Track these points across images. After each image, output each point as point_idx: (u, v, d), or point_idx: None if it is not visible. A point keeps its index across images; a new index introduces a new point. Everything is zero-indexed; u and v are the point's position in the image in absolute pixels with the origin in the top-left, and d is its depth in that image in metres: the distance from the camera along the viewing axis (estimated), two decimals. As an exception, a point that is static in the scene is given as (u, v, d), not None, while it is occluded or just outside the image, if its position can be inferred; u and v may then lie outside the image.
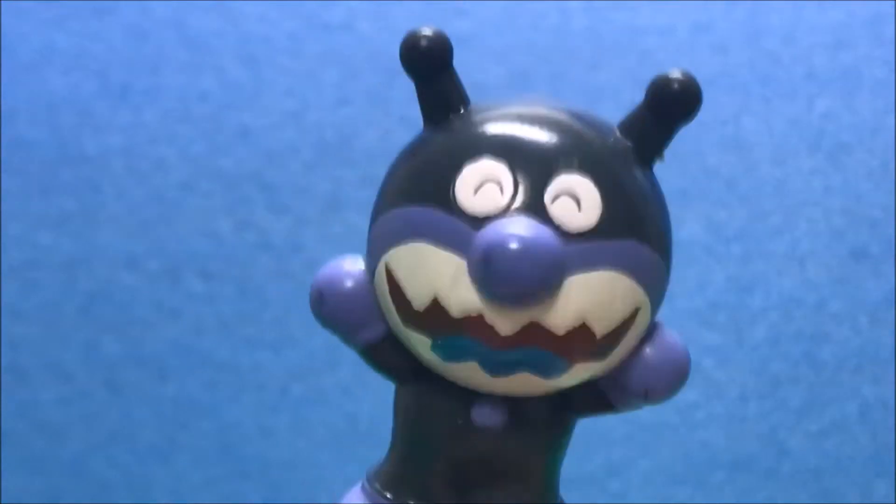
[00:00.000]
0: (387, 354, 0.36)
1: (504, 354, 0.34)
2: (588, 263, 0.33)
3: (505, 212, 0.33)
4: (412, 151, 0.36)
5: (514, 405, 0.35)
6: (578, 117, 0.36)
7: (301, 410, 0.73)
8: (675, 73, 0.35)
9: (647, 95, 0.35)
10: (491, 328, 0.33)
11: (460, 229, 0.33)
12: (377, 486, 0.37)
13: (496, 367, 0.34)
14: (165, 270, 0.74)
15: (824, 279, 0.73)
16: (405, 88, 0.79)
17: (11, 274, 0.75)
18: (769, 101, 0.73)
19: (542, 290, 0.33)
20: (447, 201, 0.34)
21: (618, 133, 0.35)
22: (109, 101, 0.75)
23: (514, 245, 0.32)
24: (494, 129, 0.34)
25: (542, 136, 0.34)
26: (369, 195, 0.76)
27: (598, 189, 0.34)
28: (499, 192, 0.33)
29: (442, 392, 0.36)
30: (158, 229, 0.74)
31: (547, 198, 0.33)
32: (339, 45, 0.75)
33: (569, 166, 0.34)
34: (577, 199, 0.33)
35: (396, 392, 0.37)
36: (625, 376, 0.35)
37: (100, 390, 0.74)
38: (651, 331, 0.36)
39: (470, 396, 0.35)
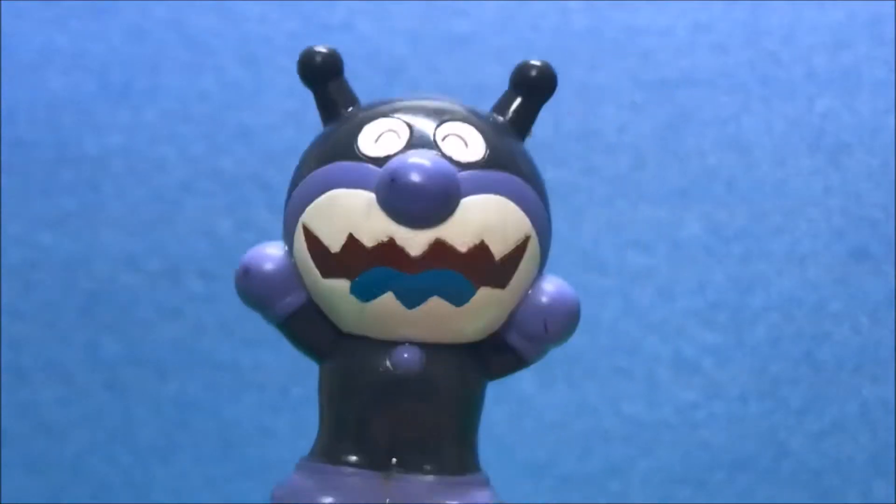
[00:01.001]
0: (307, 326, 0.40)
1: (416, 279, 0.37)
2: (480, 187, 0.38)
3: (403, 150, 0.38)
4: (316, 138, 0.41)
5: (429, 355, 0.39)
6: (458, 100, 0.41)
7: (301, 410, 0.73)
8: (535, 62, 0.40)
9: (511, 79, 0.41)
10: (402, 251, 0.37)
11: (366, 170, 0.38)
12: (310, 458, 0.40)
13: (410, 295, 0.38)
14: (165, 270, 0.74)
15: (824, 279, 0.73)
16: (405, 89, 0.79)
17: (11, 274, 0.75)
18: (769, 101, 0.73)
19: (443, 203, 0.37)
20: (352, 154, 0.38)
21: (493, 113, 0.41)
22: (109, 101, 0.75)
23: (414, 165, 0.37)
24: (386, 104, 0.40)
25: (428, 102, 0.40)
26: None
27: (480, 134, 0.39)
28: (396, 138, 0.38)
29: (362, 351, 0.39)
30: (158, 229, 0.74)
31: (437, 137, 0.38)
32: (339, 45, 0.75)
33: (454, 118, 0.39)
34: (463, 140, 0.39)
35: (320, 372, 0.40)
36: (523, 318, 0.39)
37: (100, 390, 0.74)
38: (543, 277, 0.40)
39: (388, 348, 0.39)
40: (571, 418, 0.73)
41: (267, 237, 0.74)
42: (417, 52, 0.74)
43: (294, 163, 0.75)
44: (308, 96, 0.75)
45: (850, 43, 0.74)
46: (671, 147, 0.74)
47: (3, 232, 0.75)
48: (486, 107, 0.41)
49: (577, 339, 0.73)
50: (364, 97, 0.77)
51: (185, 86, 0.75)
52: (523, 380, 0.72)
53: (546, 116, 0.74)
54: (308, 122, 0.75)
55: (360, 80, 0.75)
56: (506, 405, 0.72)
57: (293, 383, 0.74)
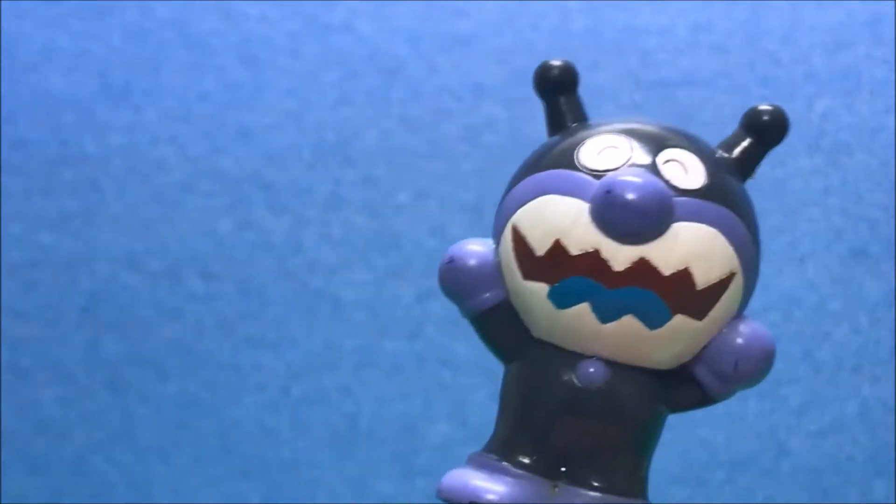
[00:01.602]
0: (500, 323, 0.40)
1: (614, 295, 0.37)
2: (693, 215, 0.38)
3: (623, 167, 0.38)
4: (539, 146, 0.41)
5: (615, 373, 0.39)
6: (687, 130, 0.41)
7: (301, 410, 0.73)
8: (767, 107, 0.43)
9: (743, 122, 0.42)
10: (605, 264, 0.37)
11: (583, 180, 0.38)
12: (483, 452, 0.40)
13: (606, 309, 0.38)
14: (166, 270, 0.74)
15: (824, 279, 0.73)
16: (405, 89, 0.80)
17: (11, 274, 0.75)
18: (769, 101, 0.73)
19: (654, 223, 0.37)
20: (571, 163, 0.39)
21: (719, 149, 0.41)
22: (109, 101, 0.75)
23: (631, 181, 0.37)
24: (614, 123, 0.40)
25: (656, 125, 0.40)
26: (369, 195, 0.77)
27: (702, 164, 0.39)
28: (618, 154, 0.38)
29: (549, 359, 0.39)
30: (158, 229, 0.74)
31: (659, 160, 0.38)
32: (339, 45, 0.75)
33: (678, 145, 0.39)
34: (684, 166, 0.38)
35: (505, 373, 0.40)
36: (716, 354, 0.39)
37: (100, 390, 0.74)
38: (741, 317, 0.39)
39: (575, 359, 0.39)
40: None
41: (267, 237, 0.75)
42: (417, 52, 0.74)
43: (294, 162, 0.75)
44: (308, 96, 0.75)
45: (849, 43, 0.74)
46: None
47: (4, 232, 0.75)
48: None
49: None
50: (364, 97, 0.77)
51: (185, 86, 0.75)
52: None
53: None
54: (308, 122, 0.75)
55: (361, 80, 0.75)
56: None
57: (293, 383, 0.74)
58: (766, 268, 0.74)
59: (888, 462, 0.72)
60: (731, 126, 0.77)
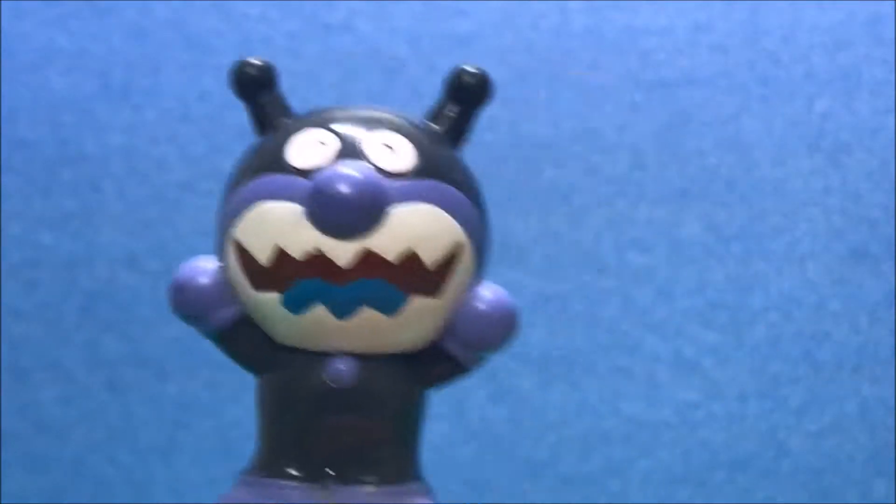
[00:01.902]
0: (242, 339, 0.40)
1: (346, 290, 0.37)
2: (408, 196, 0.38)
3: (331, 162, 0.38)
4: (245, 150, 0.41)
5: (365, 366, 0.39)
6: (391, 109, 0.41)
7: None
8: (469, 67, 0.41)
9: (445, 87, 0.41)
10: (331, 262, 0.37)
11: (294, 182, 0.38)
12: (249, 472, 0.40)
13: (341, 306, 0.37)
14: (166, 270, 0.74)
15: (824, 279, 0.73)
16: (405, 89, 0.80)
17: (11, 274, 0.75)
18: (769, 101, 0.73)
19: (369, 213, 0.37)
20: (280, 166, 0.39)
21: (426, 121, 0.41)
22: (109, 101, 0.75)
23: (339, 176, 0.37)
24: (315, 115, 0.40)
25: (357, 112, 0.40)
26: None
27: (410, 143, 0.39)
28: (324, 149, 0.38)
29: (297, 363, 0.39)
30: (158, 229, 0.74)
31: (365, 148, 0.38)
32: (339, 45, 0.75)
33: (382, 127, 0.39)
34: (391, 149, 0.39)
35: (257, 386, 0.41)
36: (460, 325, 0.39)
37: (100, 390, 0.74)
38: (479, 285, 0.39)
39: (323, 360, 0.39)
40: (571, 418, 0.73)
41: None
42: (417, 52, 0.74)
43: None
44: (308, 96, 0.75)
45: (849, 43, 0.74)
46: (671, 147, 0.74)
47: (4, 232, 0.75)
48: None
49: (577, 339, 0.74)
50: (364, 97, 0.77)
51: (185, 86, 0.75)
52: (523, 379, 0.73)
53: (546, 116, 0.74)
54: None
55: (361, 80, 0.75)
56: (506, 405, 0.72)
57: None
58: (766, 268, 0.74)
59: (888, 462, 0.72)
60: (731, 126, 0.77)
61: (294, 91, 0.75)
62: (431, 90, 0.79)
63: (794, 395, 0.73)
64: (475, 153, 0.75)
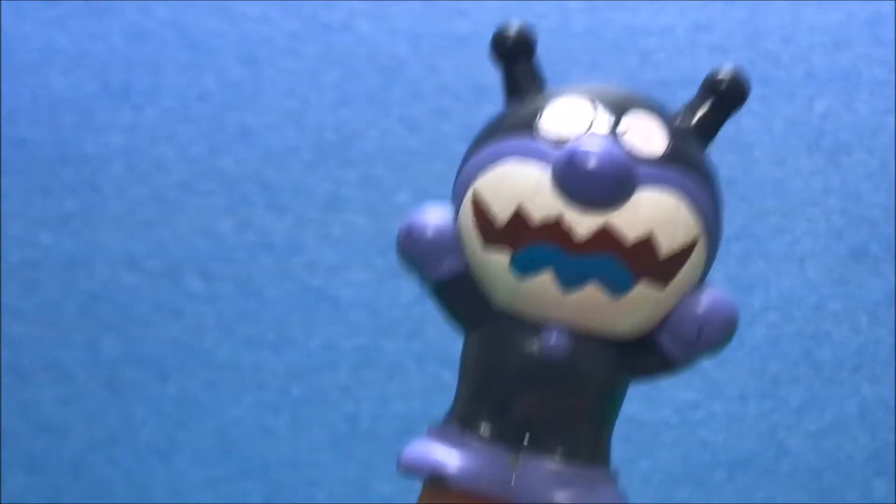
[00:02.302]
0: (460, 293, 0.39)
1: (577, 261, 0.37)
2: (656, 182, 0.37)
3: (585, 133, 0.38)
4: (496, 113, 0.40)
5: (577, 342, 0.38)
6: (649, 94, 0.40)
7: (301, 410, 0.74)
8: (726, 70, 0.41)
9: (702, 86, 0.40)
10: (568, 231, 0.37)
11: (544, 147, 0.37)
12: (444, 422, 0.40)
13: (569, 277, 0.37)
14: (165, 270, 0.74)
15: (824, 279, 0.73)
16: (405, 88, 0.80)
17: (11, 274, 0.75)
18: (769, 101, 0.73)
19: (617, 190, 0.37)
20: (532, 130, 0.38)
21: (681, 113, 0.40)
22: (109, 101, 0.75)
23: (595, 149, 0.36)
24: (573, 87, 0.39)
25: (617, 89, 0.39)
26: (369, 195, 0.77)
27: (663, 129, 0.38)
28: (580, 120, 0.38)
29: (511, 328, 0.38)
30: (158, 229, 0.74)
31: (621, 127, 0.38)
32: (339, 45, 0.75)
33: (640, 108, 0.39)
34: (646, 132, 0.38)
35: (465, 343, 0.40)
36: (678, 321, 0.38)
37: (100, 390, 0.74)
38: (704, 284, 0.39)
39: (537, 329, 0.38)
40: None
41: (267, 237, 0.75)
42: (417, 52, 0.74)
43: (294, 162, 0.75)
44: (308, 96, 0.75)
45: (849, 43, 0.74)
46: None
47: (3, 232, 0.75)
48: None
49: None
50: (364, 97, 0.77)
51: (185, 86, 0.75)
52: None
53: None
54: (308, 122, 0.75)
55: (361, 80, 0.75)
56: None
57: (293, 383, 0.74)
58: (766, 268, 0.74)
59: (888, 462, 0.72)
60: (731, 126, 0.77)
61: (294, 91, 0.76)
62: (431, 90, 0.80)
63: (794, 395, 0.73)
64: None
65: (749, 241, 0.73)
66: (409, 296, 0.74)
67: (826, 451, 0.72)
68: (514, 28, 0.42)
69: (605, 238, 0.37)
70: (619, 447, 0.77)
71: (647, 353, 0.39)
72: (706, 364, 0.74)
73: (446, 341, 0.75)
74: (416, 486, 0.77)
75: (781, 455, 0.72)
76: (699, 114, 0.40)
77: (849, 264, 0.73)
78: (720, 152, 0.79)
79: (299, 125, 0.74)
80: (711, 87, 0.40)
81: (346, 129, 0.74)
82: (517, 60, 0.41)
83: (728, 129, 0.77)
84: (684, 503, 0.72)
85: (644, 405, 0.73)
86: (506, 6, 0.74)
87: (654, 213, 0.37)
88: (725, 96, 0.40)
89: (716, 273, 0.79)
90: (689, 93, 0.76)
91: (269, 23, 0.75)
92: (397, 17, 0.74)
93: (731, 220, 0.73)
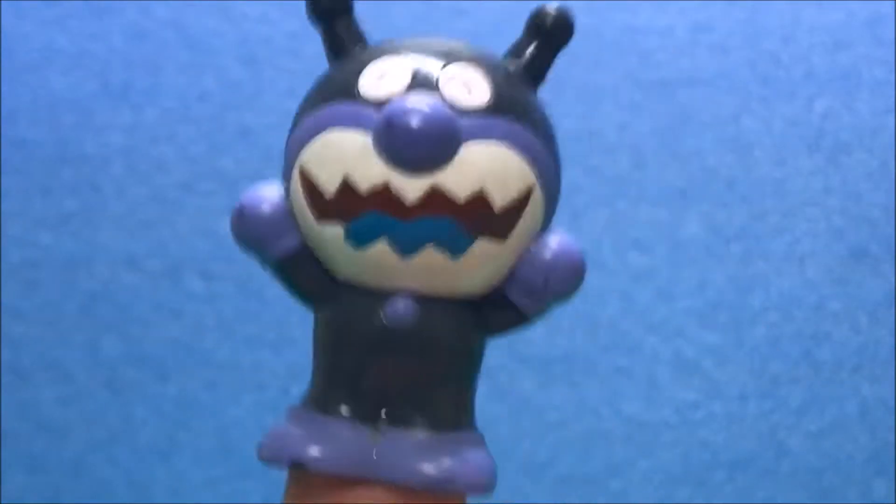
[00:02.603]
0: (302, 269, 0.38)
1: (411, 227, 0.36)
2: (481, 134, 0.36)
3: (403, 93, 0.37)
4: (318, 77, 0.40)
5: (425, 307, 0.37)
6: (470, 43, 0.39)
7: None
8: (550, 8, 0.40)
9: (526, 25, 0.39)
10: (397, 198, 0.36)
11: (365, 112, 0.37)
12: (301, 407, 0.39)
13: (405, 243, 0.36)
14: (165, 270, 0.74)
15: (824, 279, 0.73)
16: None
17: (11, 274, 0.75)
18: (769, 101, 0.73)
19: (439, 148, 0.36)
20: (351, 94, 0.37)
21: (507, 58, 0.39)
22: (109, 101, 0.75)
23: (412, 109, 0.35)
24: (392, 44, 0.39)
25: (435, 42, 0.38)
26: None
27: (486, 79, 0.37)
28: (398, 79, 0.37)
29: (355, 300, 0.38)
30: (158, 229, 0.74)
31: (440, 81, 0.37)
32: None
33: (459, 60, 0.37)
34: (467, 84, 0.37)
35: (314, 320, 0.39)
36: (525, 272, 0.38)
37: (100, 390, 0.74)
38: (547, 232, 0.38)
39: (382, 298, 0.37)
40: (571, 418, 0.73)
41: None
42: (417, 52, 0.74)
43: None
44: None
45: (849, 43, 0.74)
46: (671, 147, 0.74)
47: (3, 232, 0.75)
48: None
49: (577, 339, 0.74)
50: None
51: (185, 86, 0.75)
52: (523, 379, 0.73)
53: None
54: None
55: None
56: (506, 405, 0.72)
57: (293, 383, 0.74)
58: (766, 268, 0.74)
59: (888, 462, 0.72)
60: (731, 126, 0.77)
61: (294, 91, 0.76)
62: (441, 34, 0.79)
63: (794, 395, 0.73)
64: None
65: (749, 241, 0.73)
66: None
67: (826, 452, 0.72)
68: None
69: (435, 200, 0.36)
70: (619, 447, 0.77)
71: (498, 309, 0.38)
72: (706, 364, 0.74)
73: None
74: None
75: (781, 455, 0.72)
76: (525, 56, 0.39)
77: (849, 264, 0.73)
78: (720, 152, 0.80)
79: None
80: (536, 27, 0.39)
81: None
82: (335, 18, 0.40)
83: (728, 129, 0.77)
84: (684, 503, 0.72)
85: (644, 405, 0.73)
86: (506, 6, 0.74)
87: (483, 167, 0.36)
88: (551, 35, 0.39)
89: (716, 273, 0.79)
90: (690, 93, 0.76)
91: (269, 23, 0.75)
92: (397, 17, 0.74)
93: (731, 220, 0.73)
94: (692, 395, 0.73)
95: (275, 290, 0.80)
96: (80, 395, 0.74)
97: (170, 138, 0.75)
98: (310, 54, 0.75)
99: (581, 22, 0.80)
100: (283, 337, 0.74)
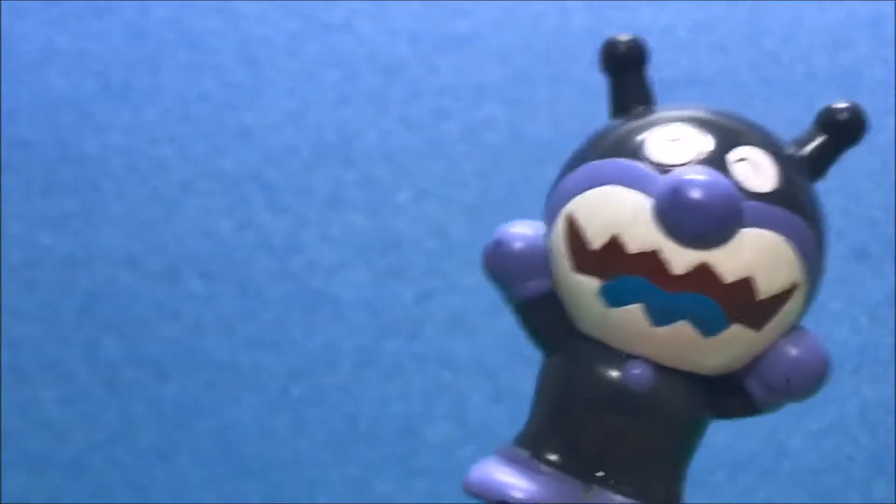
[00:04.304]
0: (543, 314, 0.38)
1: (671, 298, 0.35)
2: (762, 221, 0.36)
3: (691, 164, 0.36)
4: (599, 128, 0.38)
5: (661, 376, 0.37)
6: (760, 123, 0.39)
7: (301, 410, 0.73)
8: (844, 104, 0.39)
9: (819, 120, 0.39)
10: (664, 266, 0.35)
11: (648, 173, 0.35)
12: (512, 445, 0.38)
13: (660, 313, 0.35)
14: (165, 270, 0.74)
15: (824, 279, 0.73)
16: (405, 88, 0.80)
17: (11, 274, 0.75)
18: (770, 101, 0.73)
19: (722, 228, 0.35)
20: (636, 153, 0.36)
21: (792, 146, 0.38)
22: (109, 101, 0.75)
23: (700, 182, 0.34)
24: (683, 111, 0.38)
25: (729, 118, 0.38)
26: (369, 195, 0.77)
27: (775, 165, 0.37)
28: (687, 148, 0.36)
29: (594, 355, 0.37)
30: (158, 229, 0.74)
31: (730, 158, 0.36)
32: (339, 45, 0.75)
33: (751, 142, 0.37)
34: (756, 166, 0.36)
35: (544, 364, 0.39)
36: (768, 366, 0.37)
37: (100, 390, 0.74)
38: (798, 329, 0.38)
39: (621, 359, 0.37)
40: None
41: (267, 237, 0.75)
42: (417, 52, 0.74)
43: (294, 162, 0.75)
44: (308, 96, 0.75)
45: (850, 43, 0.74)
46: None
47: (3, 232, 0.75)
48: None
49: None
50: (364, 97, 0.77)
51: (185, 86, 0.75)
52: (523, 380, 0.72)
53: (546, 116, 0.74)
54: (308, 122, 0.75)
55: (361, 80, 0.75)
56: (506, 405, 0.72)
57: (293, 383, 0.74)
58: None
59: (888, 462, 0.72)
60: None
61: (294, 91, 0.76)
62: (431, 90, 0.80)
63: (795, 395, 0.73)
64: (475, 153, 0.75)
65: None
66: (409, 296, 0.74)
67: (826, 452, 0.72)
68: (625, 38, 0.40)
69: (702, 277, 0.35)
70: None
71: (732, 394, 0.38)
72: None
73: (446, 341, 0.75)
74: (417, 486, 0.77)
75: (782, 455, 0.72)
76: (810, 147, 0.39)
77: (849, 264, 0.73)
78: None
79: (299, 125, 0.74)
80: (828, 122, 0.39)
81: (346, 129, 0.74)
82: (626, 72, 0.39)
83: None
84: (685, 503, 0.72)
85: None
86: (506, 6, 0.74)
87: (757, 254, 0.36)
88: (843, 132, 0.39)
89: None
90: (690, 93, 0.76)
91: (269, 23, 0.75)
92: (397, 17, 0.74)
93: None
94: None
95: (275, 290, 0.81)
96: (80, 395, 0.74)
97: (170, 138, 0.75)
98: (310, 54, 0.75)
99: (581, 22, 0.81)
100: (283, 337, 0.74)
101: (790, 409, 0.76)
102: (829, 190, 0.74)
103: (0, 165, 0.75)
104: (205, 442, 0.74)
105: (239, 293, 0.74)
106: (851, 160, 0.74)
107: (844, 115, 0.39)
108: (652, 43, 0.75)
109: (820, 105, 0.79)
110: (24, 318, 0.75)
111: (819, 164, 0.39)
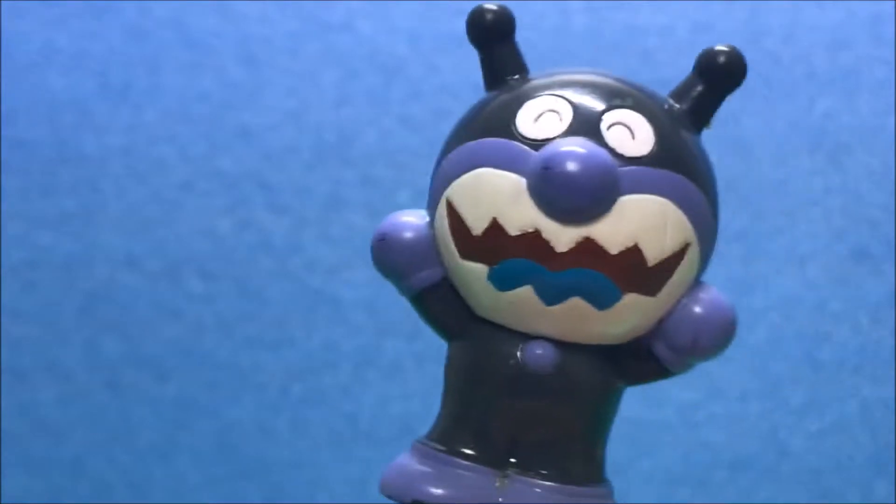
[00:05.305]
0: (440, 302, 0.37)
1: (559, 276, 0.35)
2: (641, 186, 0.35)
3: (563, 135, 0.35)
4: (473, 106, 0.38)
5: (564, 353, 0.36)
6: (632, 80, 0.38)
7: (301, 410, 0.73)
8: (722, 47, 0.37)
9: (696, 66, 0.37)
10: (547, 244, 0.34)
11: (521, 151, 0.35)
12: (426, 440, 0.37)
13: (550, 292, 0.35)
14: (165, 270, 0.74)
15: (824, 279, 0.73)
16: (405, 88, 0.80)
17: (11, 274, 0.75)
18: (769, 101, 0.73)
19: (598, 200, 0.34)
20: (508, 131, 0.35)
21: (670, 99, 0.37)
22: (109, 101, 0.75)
23: (572, 156, 0.34)
24: (554, 78, 0.37)
25: (599, 81, 0.37)
26: (369, 195, 0.76)
27: (651, 125, 0.35)
28: (558, 120, 0.35)
29: (493, 339, 0.36)
30: (158, 229, 0.74)
31: (603, 125, 0.35)
32: (339, 45, 0.75)
33: (624, 104, 0.36)
34: (630, 130, 0.35)
35: (448, 352, 0.38)
36: (673, 328, 0.36)
37: (100, 390, 0.74)
38: (699, 286, 0.37)
39: (521, 340, 0.36)
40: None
41: (267, 237, 0.75)
42: (417, 52, 0.74)
43: (294, 162, 0.75)
44: (308, 96, 0.75)
45: (850, 43, 0.74)
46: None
47: (3, 232, 0.75)
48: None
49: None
50: (364, 97, 0.77)
51: (185, 86, 0.75)
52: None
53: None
54: (308, 122, 0.75)
55: (361, 80, 0.75)
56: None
57: (293, 383, 0.74)
58: (765, 268, 0.74)
59: (888, 462, 0.72)
60: (731, 126, 0.77)
61: (294, 91, 0.76)
62: (431, 90, 0.80)
63: (795, 395, 0.73)
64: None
65: (749, 241, 0.73)
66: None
67: (827, 452, 0.72)
68: (491, 6, 0.38)
69: (586, 251, 0.34)
70: (620, 447, 0.77)
71: (641, 360, 0.37)
72: (707, 365, 0.74)
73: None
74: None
75: (782, 455, 0.72)
76: (691, 98, 0.37)
77: (849, 264, 0.73)
78: (720, 153, 0.79)
79: (299, 125, 0.74)
80: (707, 67, 0.37)
81: (346, 129, 0.74)
82: (495, 43, 0.38)
83: (728, 129, 0.77)
84: (685, 503, 0.72)
85: (644, 405, 0.72)
86: (505, 6, 0.74)
87: (640, 221, 0.35)
88: (722, 77, 0.37)
89: (717, 274, 0.79)
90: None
91: (269, 23, 0.75)
92: (397, 17, 0.74)
93: (732, 220, 0.73)
94: (693, 395, 0.73)
95: (275, 290, 0.81)
96: (80, 395, 0.74)
97: (170, 138, 0.75)
98: (310, 54, 0.75)
99: (581, 22, 0.81)
100: (283, 337, 0.74)
101: (790, 410, 0.76)
102: (829, 190, 0.75)
103: (0, 165, 0.75)
104: (205, 442, 0.74)
105: (239, 293, 0.74)
106: (851, 160, 0.74)
107: (723, 59, 0.37)
108: (652, 43, 0.75)
109: (820, 105, 0.79)
110: (24, 318, 0.75)
111: (701, 114, 0.37)
